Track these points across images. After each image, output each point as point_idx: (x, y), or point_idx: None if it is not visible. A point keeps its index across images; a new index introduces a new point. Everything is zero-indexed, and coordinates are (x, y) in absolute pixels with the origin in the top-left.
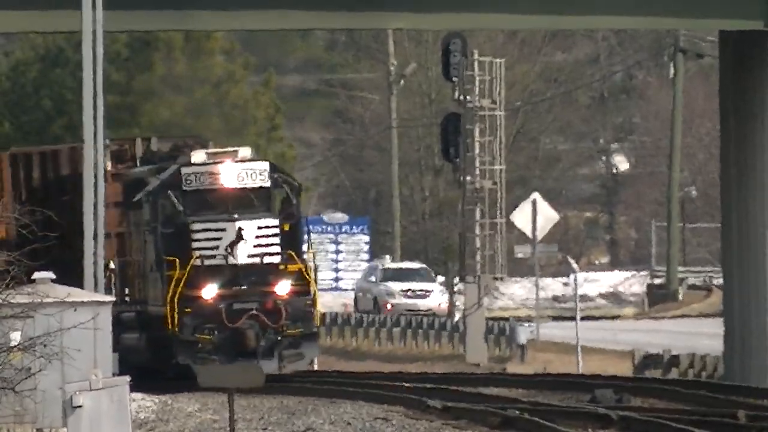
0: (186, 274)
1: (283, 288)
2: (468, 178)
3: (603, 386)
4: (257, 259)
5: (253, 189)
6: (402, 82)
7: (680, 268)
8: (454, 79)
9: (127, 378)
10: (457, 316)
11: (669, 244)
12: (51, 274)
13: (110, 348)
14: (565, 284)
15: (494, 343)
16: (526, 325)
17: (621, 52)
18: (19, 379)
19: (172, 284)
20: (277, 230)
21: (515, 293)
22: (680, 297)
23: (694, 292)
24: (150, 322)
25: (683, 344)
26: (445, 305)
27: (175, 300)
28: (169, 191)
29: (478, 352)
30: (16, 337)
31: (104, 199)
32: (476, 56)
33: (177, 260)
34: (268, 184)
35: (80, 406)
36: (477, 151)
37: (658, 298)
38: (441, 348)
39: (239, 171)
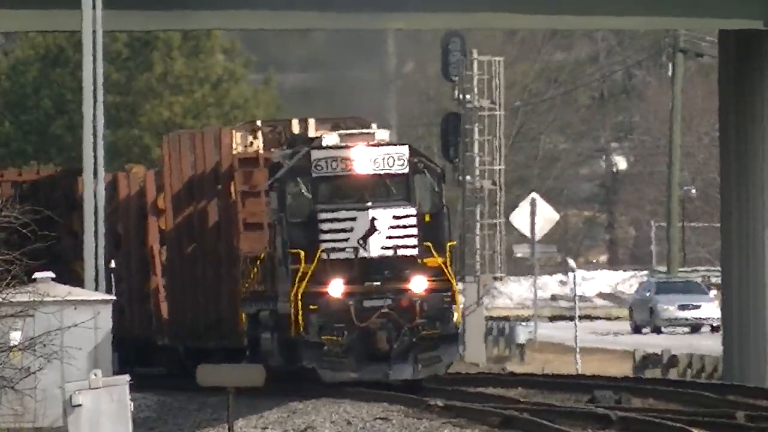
0: (312, 269)
1: (419, 284)
2: (467, 178)
3: (602, 386)
4: (391, 252)
5: (389, 175)
6: (400, 82)
7: (680, 268)
8: (454, 78)
9: (127, 377)
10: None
11: (669, 243)
12: (51, 273)
13: (110, 347)
14: (562, 282)
15: (493, 343)
16: (524, 324)
17: (620, 52)
18: (19, 378)
19: (297, 280)
20: (414, 220)
21: (514, 292)
22: None
23: None
24: (279, 321)
25: (682, 344)
26: None
27: (299, 297)
28: (297, 177)
29: (477, 351)
30: (16, 336)
31: (255, 187)
32: (475, 55)
33: (302, 253)
34: (406, 170)
35: (80, 405)
36: (476, 150)
37: None
38: None
39: (375, 155)
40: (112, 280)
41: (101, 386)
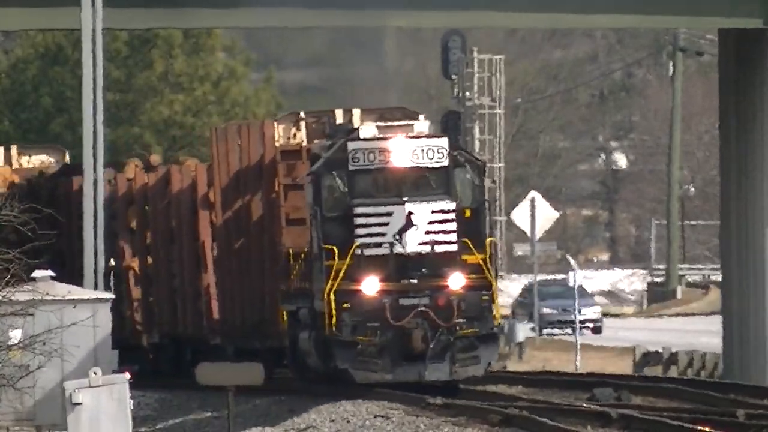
0: (345, 265)
1: (456, 281)
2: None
3: (602, 384)
4: (428, 248)
5: (428, 168)
6: (401, 80)
7: (679, 266)
8: (453, 77)
9: (127, 375)
10: None
11: (668, 241)
12: (51, 272)
13: (110, 345)
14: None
15: None
16: (525, 322)
17: (620, 50)
18: (19, 376)
19: (330, 277)
20: (453, 215)
21: (514, 291)
22: (678, 295)
23: (693, 290)
24: (316, 319)
25: (683, 342)
26: None
27: (332, 295)
28: (333, 170)
29: None
30: (16, 334)
31: (296, 180)
32: (476, 54)
33: (335, 249)
34: (446, 162)
35: (80, 404)
36: (477, 149)
37: (658, 296)
38: None
39: (413, 148)
40: (112, 278)
41: (101, 384)
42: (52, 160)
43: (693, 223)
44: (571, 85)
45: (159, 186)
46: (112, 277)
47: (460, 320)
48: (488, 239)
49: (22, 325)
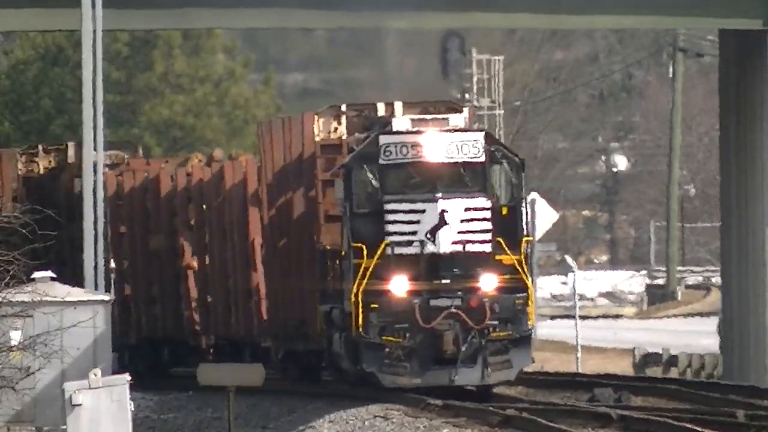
0: (374, 264)
1: (489, 282)
2: None
3: (602, 385)
4: (461, 247)
5: (463, 164)
6: (401, 81)
7: (679, 268)
8: (452, 77)
9: (127, 376)
10: None
11: (668, 243)
12: (51, 273)
13: (110, 347)
14: (563, 283)
15: None
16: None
17: (620, 51)
18: (19, 378)
19: (358, 275)
20: (488, 213)
21: None
22: (679, 296)
23: (693, 292)
24: (345, 320)
25: (682, 343)
26: None
27: (359, 295)
28: (364, 165)
29: None
30: (16, 335)
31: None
32: (475, 54)
33: (364, 247)
34: (482, 158)
35: (80, 405)
36: None
37: (658, 298)
38: None
39: (448, 142)
40: (112, 279)
41: (101, 386)
42: (126, 155)
43: (692, 225)
44: (571, 86)
45: (214, 182)
46: (112, 278)
47: (493, 322)
48: (524, 239)
49: (22, 327)
